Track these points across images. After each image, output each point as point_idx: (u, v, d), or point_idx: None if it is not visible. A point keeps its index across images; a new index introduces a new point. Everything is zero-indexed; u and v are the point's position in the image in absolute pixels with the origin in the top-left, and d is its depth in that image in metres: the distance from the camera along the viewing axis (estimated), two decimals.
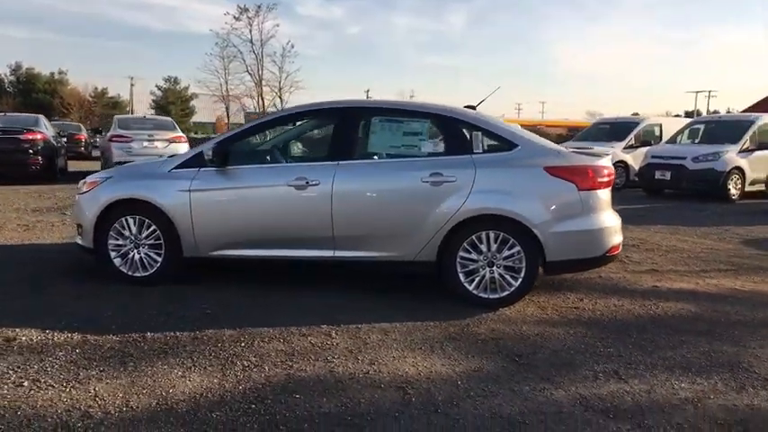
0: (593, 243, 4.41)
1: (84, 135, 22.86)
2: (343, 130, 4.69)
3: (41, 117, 14.01)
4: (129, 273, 4.85)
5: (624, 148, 14.07)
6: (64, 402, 2.79)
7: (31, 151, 12.23)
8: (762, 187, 11.42)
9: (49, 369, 3.17)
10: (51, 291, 4.65)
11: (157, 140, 13.05)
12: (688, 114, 51.26)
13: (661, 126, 14.96)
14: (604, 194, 4.46)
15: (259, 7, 39.06)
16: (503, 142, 4.50)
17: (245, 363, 3.31)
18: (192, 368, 3.22)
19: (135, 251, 4.83)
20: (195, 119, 63.49)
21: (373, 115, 4.70)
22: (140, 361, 3.30)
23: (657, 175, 12.38)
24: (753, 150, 11.80)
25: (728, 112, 57.27)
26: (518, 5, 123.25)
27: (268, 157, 4.99)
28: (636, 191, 13.72)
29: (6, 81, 60.41)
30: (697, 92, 55.72)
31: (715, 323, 4.25)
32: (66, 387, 2.96)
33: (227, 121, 50.97)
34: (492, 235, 4.36)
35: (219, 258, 4.80)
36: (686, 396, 3.08)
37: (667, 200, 12.41)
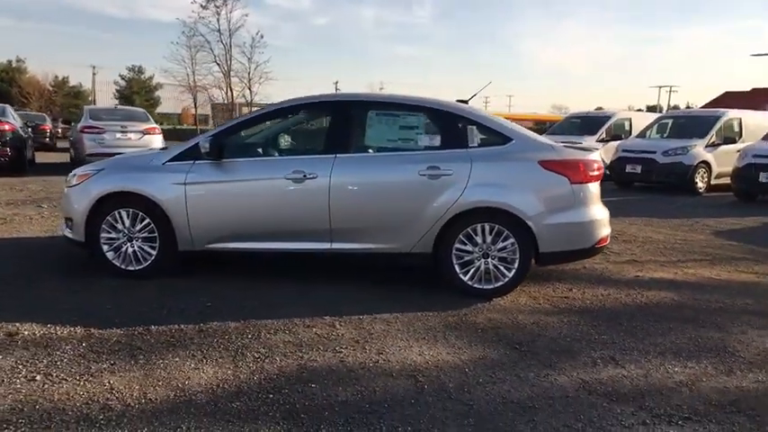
0: (584, 235, 4.57)
1: (48, 126, 22.21)
2: (340, 124, 4.73)
3: (8, 107, 13.57)
4: (123, 266, 4.81)
5: (596, 142, 14.40)
6: (81, 396, 2.80)
7: None
8: (727, 180, 11.87)
9: (58, 363, 3.15)
10: (43, 285, 4.59)
11: (131, 132, 12.80)
12: (650, 109, 52.63)
13: (631, 120, 15.39)
14: (594, 188, 4.63)
15: None
16: (497, 136, 4.62)
17: (255, 354, 3.35)
18: (204, 360, 3.25)
19: (128, 244, 4.79)
20: (160, 109, 62.19)
21: (370, 109, 4.75)
22: (150, 354, 3.31)
23: (628, 168, 12.75)
24: (719, 145, 12.26)
25: (688, 107, 59.07)
26: None
27: (264, 150, 4.99)
28: (607, 184, 14.07)
29: None
30: (660, 87, 57.22)
31: (698, 311, 4.47)
32: (80, 380, 2.95)
33: (194, 112, 50.12)
34: (487, 227, 4.47)
35: (215, 251, 4.81)
36: (680, 379, 3.25)
37: (638, 192, 12.79)
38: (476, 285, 4.53)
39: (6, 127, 12.08)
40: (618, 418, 2.79)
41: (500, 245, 4.48)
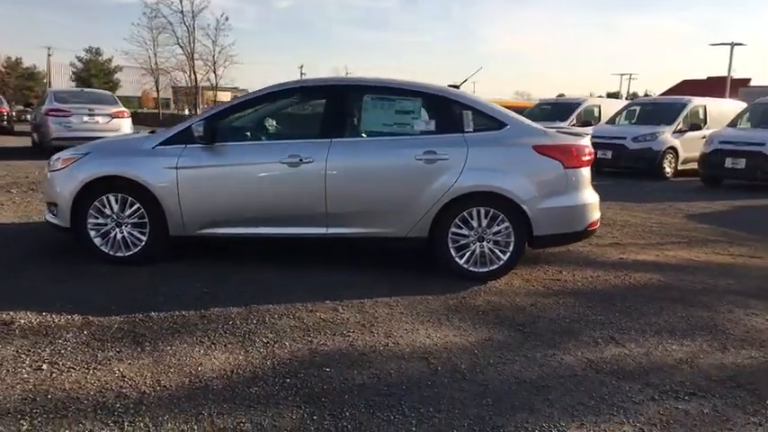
0: (577, 218, 4.67)
1: (5, 108, 21.29)
2: (336, 108, 4.69)
3: None
4: (111, 252, 4.69)
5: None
6: (92, 384, 2.73)
7: None
8: (693, 166, 12.26)
9: (62, 351, 3.06)
10: (27, 273, 4.44)
11: (99, 115, 12.38)
12: (610, 95, 53.71)
13: (600, 107, 15.71)
14: (586, 172, 4.72)
15: None
16: (492, 121, 4.65)
17: (263, 339, 3.32)
18: (213, 346, 3.21)
19: (117, 230, 4.67)
20: (120, 93, 60.07)
21: (365, 93, 4.71)
22: (156, 341, 3.25)
23: (599, 153, 12.95)
24: (685, 131, 12.63)
25: (646, 94, 60.54)
26: None
27: (258, 134, 4.91)
28: None
29: None
30: (621, 74, 58.46)
31: (684, 291, 4.62)
32: (88, 369, 2.88)
33: (155, 96, 48.76)
34: (483, 211, 4.52)
35: (207, 236, 4.73)
36: (680, 357, 3.37)
37: (608, 178, 13.07)
38: (471, 268, 4.58)
39: None
40: (627, 394, 2.88)
41: (495, 228, 4.54)
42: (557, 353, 3.34)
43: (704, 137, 12.10)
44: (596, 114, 15.39)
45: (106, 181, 4.63)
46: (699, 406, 2.80)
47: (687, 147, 12.53)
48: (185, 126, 4.66)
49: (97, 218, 4.66)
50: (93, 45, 59.29)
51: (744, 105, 13.78)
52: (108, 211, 4.64)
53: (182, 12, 36.07)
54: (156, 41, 37.71)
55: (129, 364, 2.96)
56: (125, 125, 12.70)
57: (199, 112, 40.94)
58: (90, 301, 3.85)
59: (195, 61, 37.08)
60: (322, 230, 4.62)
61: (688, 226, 7.50)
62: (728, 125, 11.90)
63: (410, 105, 4.67)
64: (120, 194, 4.62)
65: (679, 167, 12.69)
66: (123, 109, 13.05)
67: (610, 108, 15.38)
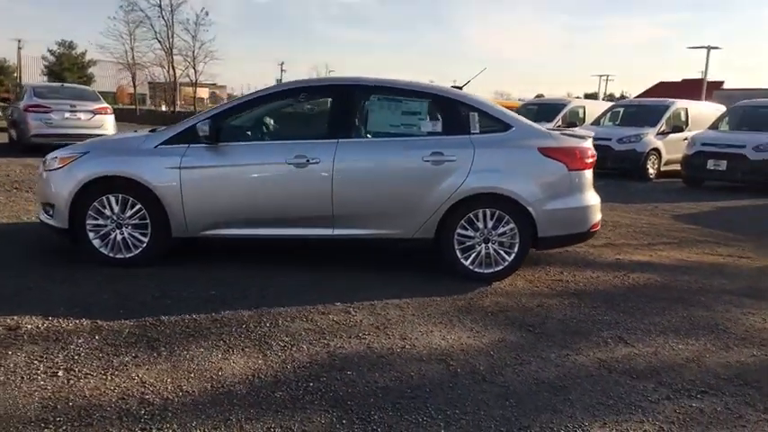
0: (580, 220, 4.74)
1: None
2: (343, 108, 4.67)
3: None
4: (111, 254, 4.61)
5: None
6: (113, 391, 2.68)
7: None
8: (675, 167, 12.51)
9: (76, 357, 3.01)
10: (26, 275, 4.34)
11: (80, 111, 12.10)
12: (588, 96, 54.41)
13: (584, 108, 15.94)
14: (589, 174, 4.79)
15: None
16: (498, 123, 4.69)
17: (280, 343, 3.31)
18: (230, 350, 3.18)
19: (117, 232, 4.59)
20: (94, 88, 58.81)
21: (372, 93, 4.71)
22: (171, 345, 3.21)
23: None
24: (668, 133, 12.87)
25: (622, 95, 61.46)
26: None
27: (263, 134, 4.87)
28: None
29: None
30: (600, 75, 59.06)
31: (682, 291, 4.72)
32: (105, 375, 2.83)
33: (132, 91, 47.93)
34: (488, 212, 4.56)
35: (210, 238, 4.68)
36: (687, 356, 3.45)
37: (594, 178, 13.27)
38: (477, 270, 4.62)
39: None
40: (643, 393, 2.94)
41: (500, 230, 4.58)
42: (570, 353, 3.39)
43: (686, 139, 12.36)
44: (581, 116, 15.59)
45: (106, 181, 4.55)
46: (711, 404, 2.88)
47: (670, 148, 12.78)
48: (188, 125, 4.60)
49: (97, 219, 4.57)
50: (67, 38, 57.97)
51: (722, 108, 14.11)
52: (108, 212, 4.56)
53: (160, 6, 35.59)
54: (134, 36, 37.15)
55: (147, 369, 2.92)
56: (108, 122, 12.45)
57: (177, 108, 40.44)
58: (95, 304, 3.78)
59: (174, 57, 36.58)
60: (328, 232, 4.60)
61: (676, 227, 7.66)
62: (710, 127, 12.18)
63: (417, 106, 4.68)
64: (120, 195, 4.55)
65: (662, 168, 12.93)
66: (106, 105, 12.79)
67: (594, 109, 15.61)
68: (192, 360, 3.04)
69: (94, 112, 12.26)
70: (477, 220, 4.56)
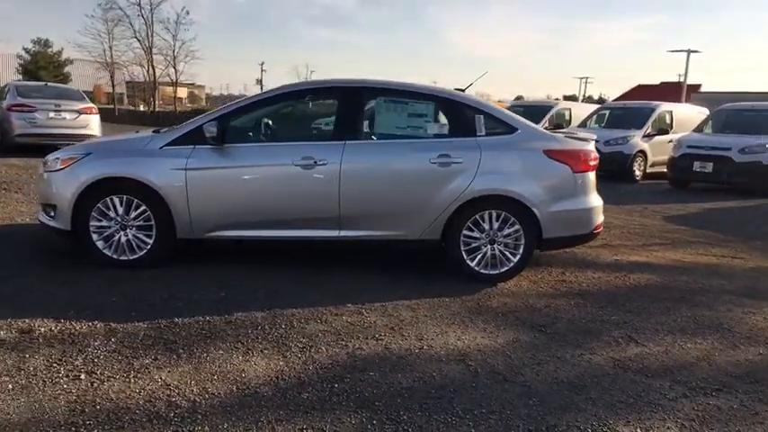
0: (584, 221, 4.80)
1: None
2: (349, 110, 4.68)
3: None
4: (115, 256, 4.56)
5: None
6: (138, 393, 2.66)
7: None
8: (660, 169, 12.74)
9: (95, 360, 2.97)
10: (26, 276, 4.26)
11: (65, 111, 11.88)
12: (567, 98, 55.14)
13: (571, 111, 16.14)
14: (593, 176, 4.86)
15: None
16: (504, 126, 4.73)
17: (298, 344, 3.30)
18: (249, 352, 3.17)
19: (121, 233, 4.54)
20: (70, 86, 57.90)
21: (379, 95, 4.72)
22: (189, 347, 3.18)
23: None
24: (654, 135, 13.10)
25: (600, 97, 62.37)
26: None
27: (269, 136, 4.86)
28: None
29: None
30: (581, 78, 59.92)
31: (683, 291, 4.82)
32: (128, 377, 2.81)
33: (109, 91, 47.22)
34: (494, 214, 4.60)
35: (215, 239, 4.65)
36: (696, 354, 3.53)
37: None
38: (482, 271, 4.66)
39: None
40: (660, 392, 3.00)
41: (506, 231, 4.62)
42: (584, 353, 3.44)
43: (671, 141, 12.59)
44: (567, 118, 15.80)
45: (110, 182, 4.50)
46: (727, 401, 2.95)
47: (655, 150, 13.01)
48: (194, 126, 4.57)
49: (100, 220, 4.52)
50: (42, 36, 56.89)
51: (705, 111, 14.40)
52: (112, 214, 4.51)
53: (139, 4, 35.18)
54: (112, 34, 36.64)
55: (169, 371, 2.90)
56: (93, 122, 12.25)
57: (156, 107, 39.96)
58: (105, 306, 3.73)
59: (154, 56, 36.16)
60: (334, 233, 4.60)
61: (667, 228, 7.81)
62: (695, 130, 12.42)
63: (423, 108, 4.71)
64: (125, 196, 4.50)
65: (647, 170, 13.15)
66: (91, 105, 12.56)
67: (580, 112, 15.82)
68: (212, 362, 3.02)
69: (80, 112, 12.05)
70: (483, 222, 4.60)
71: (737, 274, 5.48)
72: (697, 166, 11.19)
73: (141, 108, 46.16)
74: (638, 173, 12.91)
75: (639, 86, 47.38)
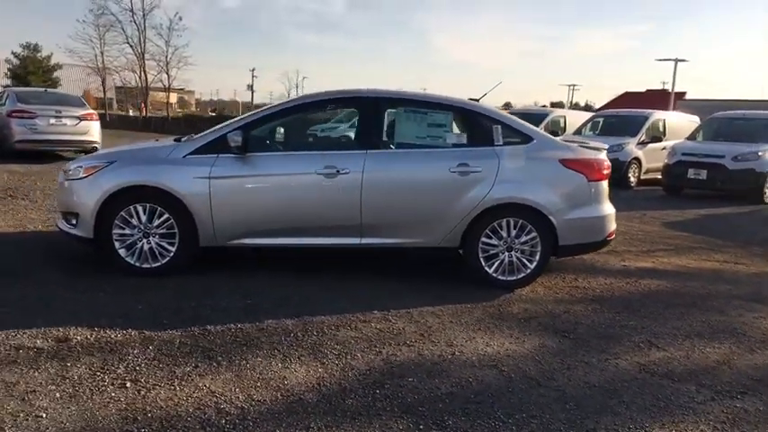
0: (598, 228, 4.92)
1: None
2: (370, 119, 4.76)
3: None
4: (137, 264, 4.59)
5: None
6: (186, 401, 2.70)
7: None
8: (654, 176, 12.96)
9: (138, 368, 3.01)
10: (47, 285, 4.27)
11: (66, 117, 11.84)
12: (554, 105, 55.67)
13: (565, 118, 16.37)
14: (605, 185, 4.98)
15: None
16: (520, 136, 4.84)
17: (333, 351, 3.36)
18: (288, 359, 3.22)
19: (144, 241, 4.57)
20: (60, 92, 57.36)
21: (399, 105, 4.81)
22: (227, 354, 3.23)
23: None
24: (647, 143, 13.33)
25: (587, 104, 63.11)
26: None
27: (292, 145, 4.92)
28: None
29: None
30: (569, 85, 60.69)
31: (694, 296, 4.94)
32: (173, 385, 2.85)
33: (99, 96, 46.91)
34: (512, 222, 4.70)
35: (237, 247, 4.70)
36: (716, 359, 3.64)
37: None
38: (500, 277, 4.75)
39: None
40: (688, 395, 3.10)
41: (523, 238, 4.72)
42: (609, 358, 3.53)
43: (664, 148, 12.82)
44: (562, 125, 16.00)
45: (134, 191, 4.53)
46: (753, 404, 3.05)
47: (649, 157, 13.23)
48: (217, 135, 4.62)
49: (123, 228, 4.55)
50: (32, 41, 56.36)
51: (696, 119, 14.67)
52: (135, 222, 4.54)
53: (131, 10, 35.06)
54: (104, 40, 36.44)
55: (212, 379, 2.94)
56: (94, 128, 12.22)
57: (147, 113, 39.76)
58: (135, 314, 3.77)
59: (147, 61, 36.02)
60: (356, 241, 4.67)
61: (668, 234, 7.97)
62: (688, 138, 12.66)
63: (442, 118, 4.80)
64: (148, 204, 4.53)
65: (642, 177, 13.37)
66: (92, 111, 12.53)
67: (574, 119, 16.04)
68: (253, 369, 3.07)
69: (80, 119, 12.01)
70: (501, 229, 4.70)
71: (742, 280, 5.62)
72: (691, 173, 11.41)
73: (131, 113, 45.93)
74: (632, 179, 13.13)
75: (626, 94, 48.03)
